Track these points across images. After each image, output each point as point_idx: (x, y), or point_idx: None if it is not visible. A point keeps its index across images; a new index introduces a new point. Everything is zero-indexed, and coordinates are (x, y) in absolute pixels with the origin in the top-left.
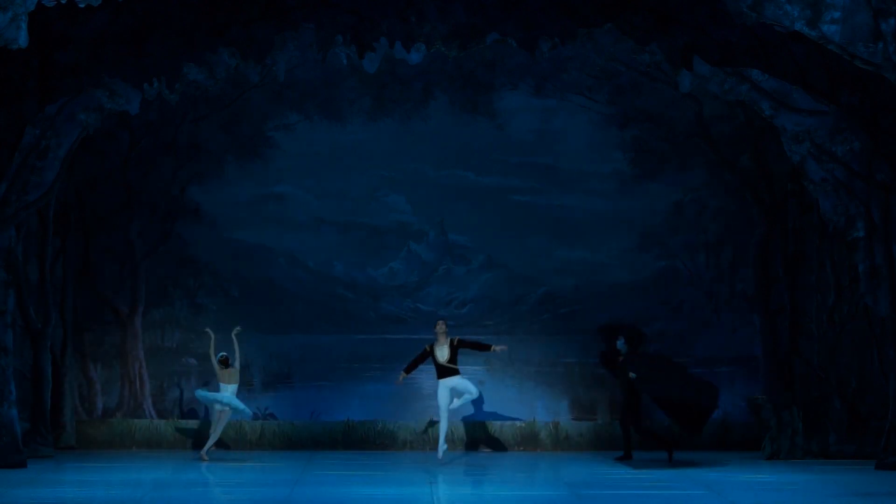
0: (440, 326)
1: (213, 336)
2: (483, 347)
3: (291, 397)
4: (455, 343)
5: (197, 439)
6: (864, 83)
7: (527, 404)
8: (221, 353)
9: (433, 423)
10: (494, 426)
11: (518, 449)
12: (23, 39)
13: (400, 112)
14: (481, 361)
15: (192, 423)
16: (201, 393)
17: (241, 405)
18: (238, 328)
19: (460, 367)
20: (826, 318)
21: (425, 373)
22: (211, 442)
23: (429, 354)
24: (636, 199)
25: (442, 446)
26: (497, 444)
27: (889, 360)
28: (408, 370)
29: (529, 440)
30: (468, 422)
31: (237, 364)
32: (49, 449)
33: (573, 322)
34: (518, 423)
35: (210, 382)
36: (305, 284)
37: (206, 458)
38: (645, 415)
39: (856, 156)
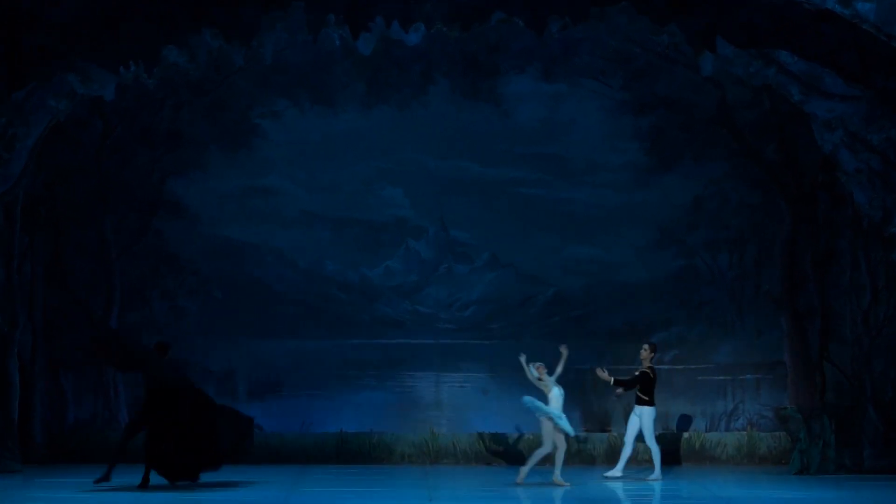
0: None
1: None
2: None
3: (280, 407)
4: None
5: None
6: None
7: (535, 415)
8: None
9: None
10: (500, 438)
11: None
12: None
13: (397, 98)
14: (485, 368)
15: None
16: (530, 400)
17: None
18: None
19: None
20: (860, 320)
21: (423, 380)
22: (533, 462)
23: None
24: (652, 193)
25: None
26: (504, 458)
27: None
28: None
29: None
30: (473, 434)
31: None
32: (17, 463)
33: (585, 325)
34: (526, 435)
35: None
36: (295, 285)
37: (521, 481)
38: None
39: (893, 144)
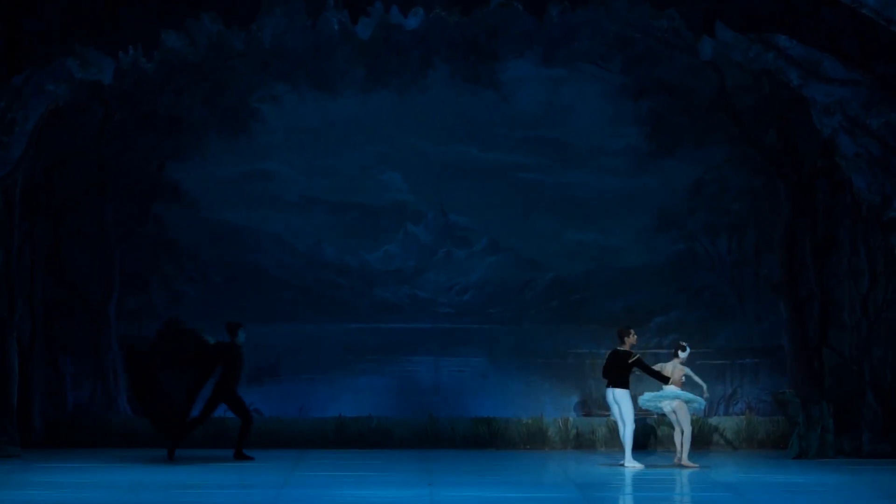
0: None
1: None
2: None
3: (278, 392)
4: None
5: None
6: None
7: (534, 399)
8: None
9: None
10: (499, 423)
11: (524, 448)
12: None
13: (396, 83)
14: (484, 353)
15: None
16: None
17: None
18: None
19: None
20: (859, 306)
21: (422, 364)
22: (687, 446)
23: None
24: (652, 177)
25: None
26: (502, 443)
27: None
28: None
29: (537, 438)
30: (470, 419)
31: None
32: (16, 448)
33: (584, 310)
34: (524, 420)
35: None
36: (293, 270)
37: (691, 464)
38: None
39: (892, 129)
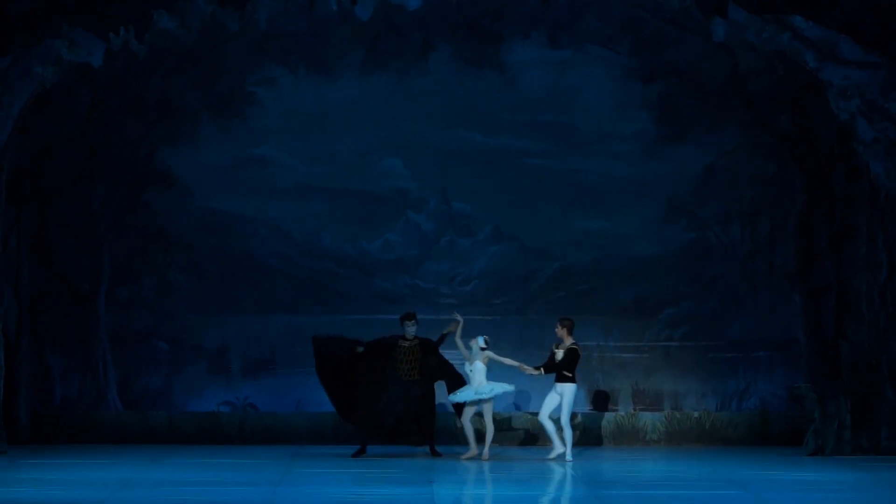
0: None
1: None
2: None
3: (274, 386)
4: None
5: (168, 433)
6: None
7: (539, 393)
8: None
9: None
10: (503, 418)
11: (529, 443)
12: None
13: (397, 65)
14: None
15: (161, 416)
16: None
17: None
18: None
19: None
20: (877, 297)
21: None
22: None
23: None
24: (662, 164)
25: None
26: (505, 438)
27: None
28: None
29: (543, 434)
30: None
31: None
32: (1, 444)
33: (591, 301)
34: (529, 415)
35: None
36: (290, 259)
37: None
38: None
39: None
